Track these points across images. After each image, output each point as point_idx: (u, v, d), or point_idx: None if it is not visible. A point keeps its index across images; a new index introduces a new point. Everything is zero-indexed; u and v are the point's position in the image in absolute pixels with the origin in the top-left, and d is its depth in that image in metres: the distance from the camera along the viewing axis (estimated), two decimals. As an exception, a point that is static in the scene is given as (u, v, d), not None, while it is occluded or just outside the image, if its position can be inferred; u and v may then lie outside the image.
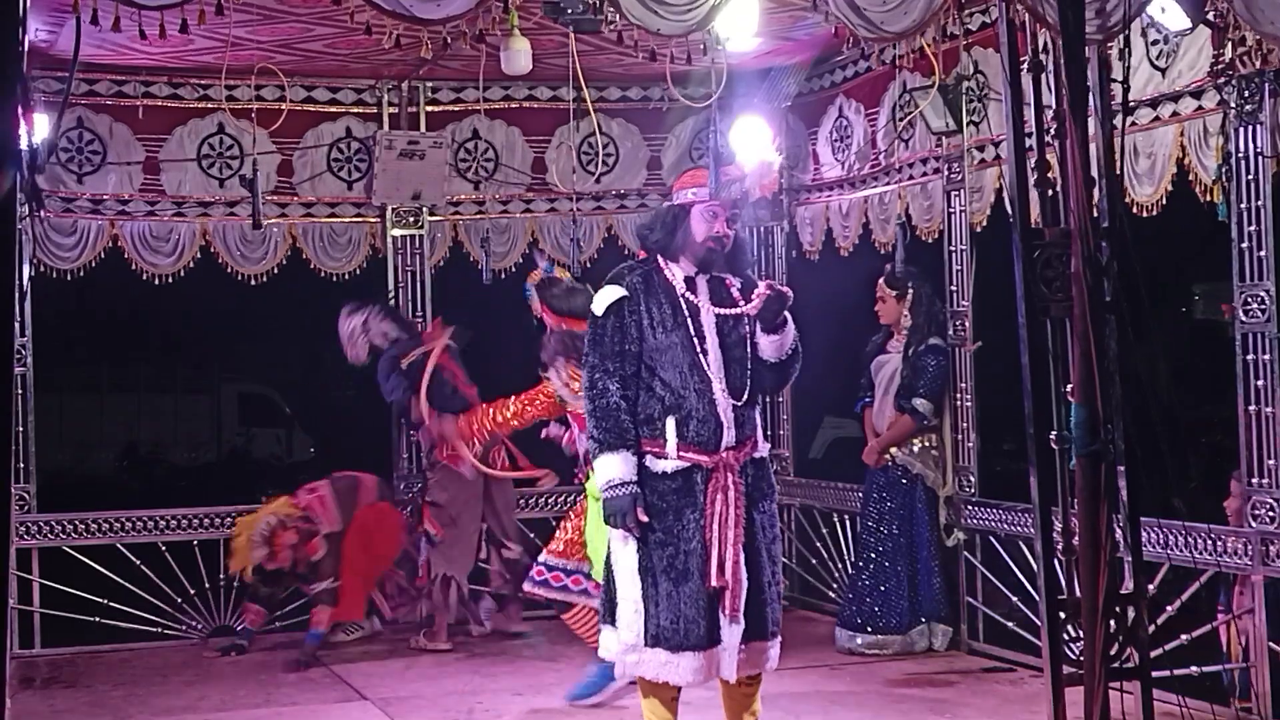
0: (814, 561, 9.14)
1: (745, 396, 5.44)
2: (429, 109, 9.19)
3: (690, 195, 5.55)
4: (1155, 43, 6.53)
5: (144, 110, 8.63)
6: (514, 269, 9.22)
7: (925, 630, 7.90)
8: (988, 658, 7.75)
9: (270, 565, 8.00)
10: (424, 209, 9.12)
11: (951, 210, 7.95)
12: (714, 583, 5.26)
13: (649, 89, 9.32)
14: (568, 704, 6.90)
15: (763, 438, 5.54)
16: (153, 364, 21.40)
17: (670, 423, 5.35)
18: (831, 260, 9.12)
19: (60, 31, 7.27)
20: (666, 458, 5.35)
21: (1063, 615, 4.97)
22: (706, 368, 5.39)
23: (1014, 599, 7.60)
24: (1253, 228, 6.22)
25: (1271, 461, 6.20)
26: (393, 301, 9.03)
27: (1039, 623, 5.12)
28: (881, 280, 8.09)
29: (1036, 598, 5.74)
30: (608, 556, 5.52)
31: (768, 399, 8.73)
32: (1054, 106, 5.06)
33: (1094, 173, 5.01)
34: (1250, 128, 6.18)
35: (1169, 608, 6.69)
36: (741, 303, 5.49)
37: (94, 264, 8.66)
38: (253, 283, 9.01)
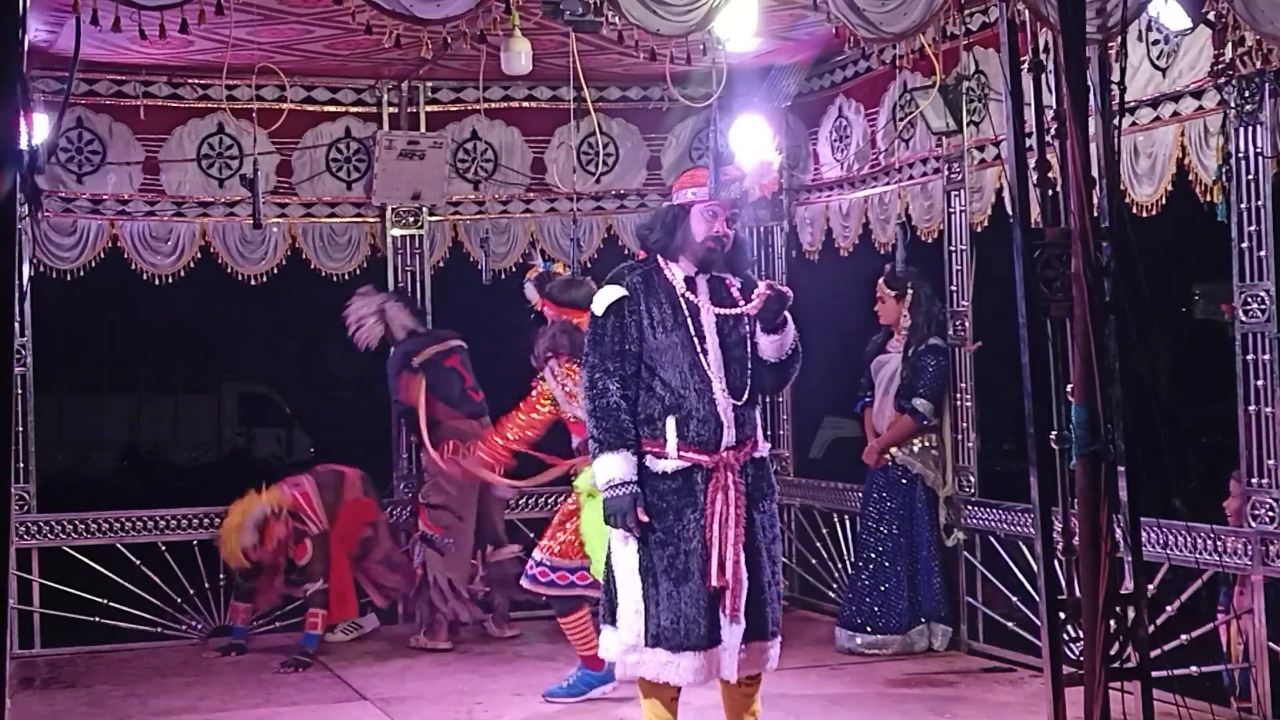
0: (814, 561, 9.14)
1: (745, 396, 5.44)
2: (429, 109, 9.19)
3: (690, 195, 5.55)
4: (1156, 42, 6.53)
5: (144, 110, 8.63)
6: (514, 269, 9.23)
7: (925, 630, 7.90)
8: (988, 658, 7.75)
9: (254, 555, 7.93)
10: (424, 209, 9.12)
11: (951, 210, 7.95)
12: (714, 583, 5.26)
13: (649, 89, 9.32)
14: (544, 697, 7.02)
15: (763, 437, 5.54)
16: (153, 364, 21.37)
17: (670, 422, 5.35)
18: (831, 260, 9.12)
19: (60, 31, 7.27)
20: (667, 457, 5.35)
21: (1063, 615, 4.97)
22: (707, 367, 5.39)
23: (1014, 599, 7.60)
24: (1253, 228, 6.22)
25: (1271, 461, 6.20)
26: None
27: (1039, 623, 5.12)
28: (881, 280, 8.09)
29: (1036, 598, 5.74)
30: (608, 556, 5.52)
31: (768, 399, 8.73)
32: (1054, 106, 5.07)
33: (1094, 173, 5.01)
34: (1250, 128, 6.18)
35: (1169, 608, 6.69)
36: (741, 302, 5.49)
37: (94, 264, 8.66)
38: (253, 283, 9.01)
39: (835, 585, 8.90)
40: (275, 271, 9.03)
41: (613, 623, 5.44)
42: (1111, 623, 4.93)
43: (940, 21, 5.70)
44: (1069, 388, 4.96)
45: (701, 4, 5.78)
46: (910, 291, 7.98)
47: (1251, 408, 6.26)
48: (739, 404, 5.42)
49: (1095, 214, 4.97)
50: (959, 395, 7.92)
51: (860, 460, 8.15)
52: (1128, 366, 4.96)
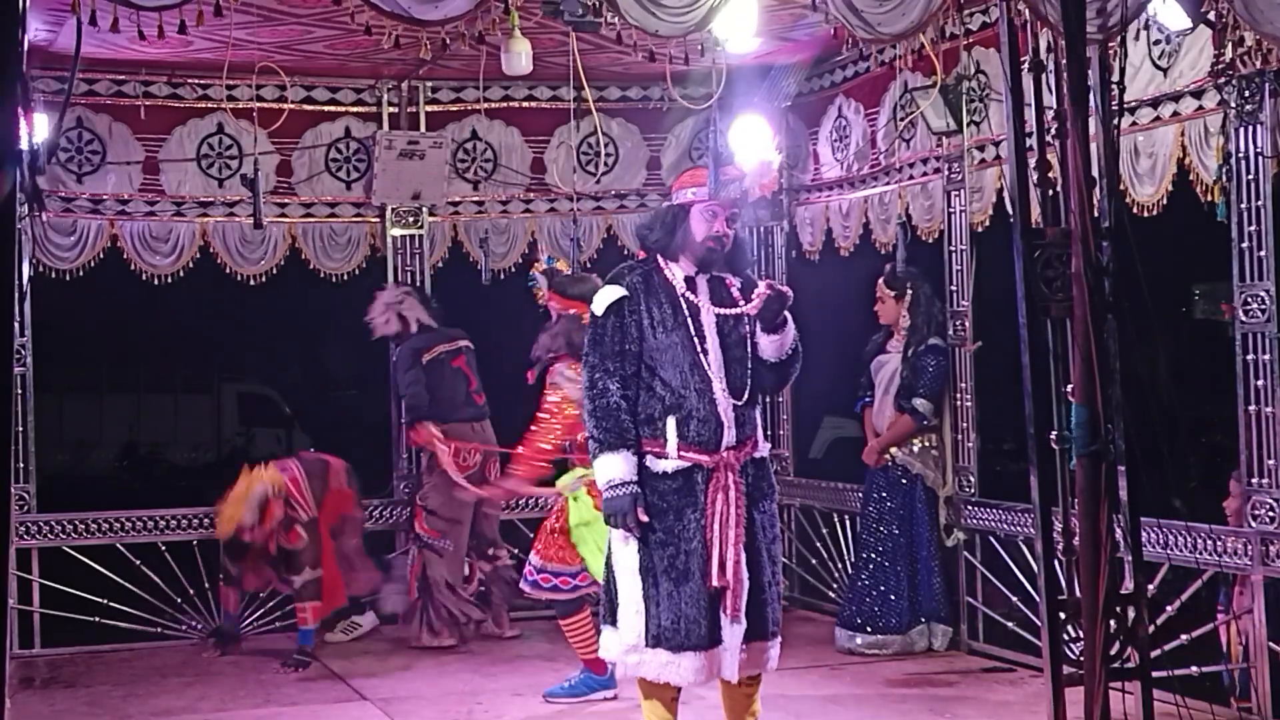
0: (814, 561, 9.14)
1: (746, 396, 5.44)
2: (429, 109, 9.19)
3: (690, 195, 5.55)
4: (1158, 42, 6.53)
5: (144, 110, 8.62)
6: (513, 269, 9.23)
7: (925, 630, 7.90)
8: (988, 658, 7.75)
9: (249, 536, 7.87)
10: (423, 209, 9.12)
11: (951, 210, 7.95)
12: (715, 583, 5.26)
13: (649, 89, 9.32)
14: (544, 698, 7.02)
15: (763, 437, 5.54)
16: (152, 364, 21.37)
17: (671, 422, 5.35)
18: (831, 260, 9.11)
19: (60, 30, 7.27)
20: (667, 457, 5.35)
21: (1063, 615, 4.97)
22: (707, 367, 5.39)
23: (1014, 599, 7.60)
24: (1253, 228, 6.22)
25: (1271, 461, 6.20)
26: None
27: (1039, 623, 5.12)
28: (880, 281, 8.09)
29: (1036, 598, 5.74)
30: (608, 557, 5.52)
31: (768, 399, 8.72)
32: (1054, 106, 5.06)
33: (1094, 173, 5.01)
34: (1250, 128, 6.18)
35: (1169, 608, 6.69)
36: (741, 302, 5.49)
37: (93, 264, 8.66)
38: (252, 283, 9.00)
39: (835, 585, 8.90)
40: (275, 271, 9.03)
41: (613, 623, 5.44)
42: (1111, 623, 4.93)
43: (939, 22, 5.70)
44: (1069, 388, 4.96)
45: (700, 5, 5.78)
46: (909, 292, 7.98)
47: (1251, 408, 6.26)
48: (739, 404, 5.42)
49: (1095, 214, 4.97)
50: (959, 395, 7.92)
51: (860, 460, 8.15)
52: (1128, 366, 4.96)
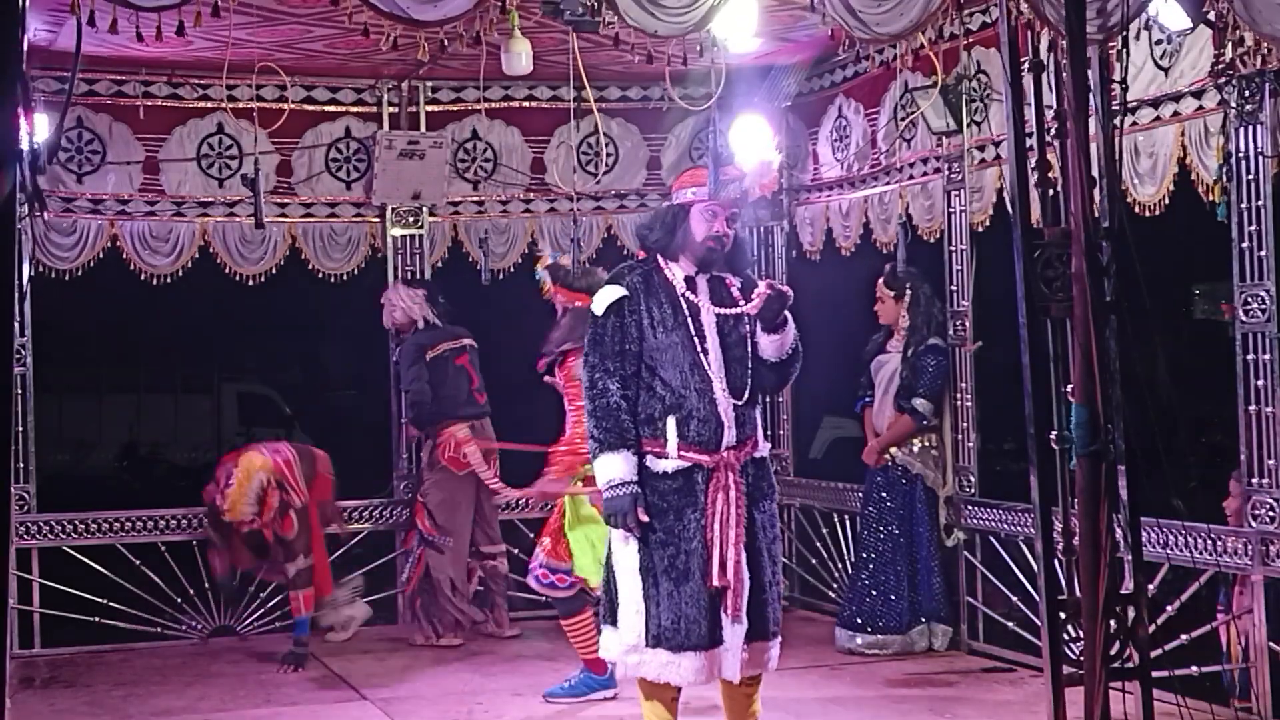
0: (814, 561, 9.14)
1: (746, 396, 5.44)
2: (429, 109, 9.18)
3: (690, 195, 5.55)
4: (1159, 42, 6.53)
5: (144, 110, 8.62)
6: (513, 269, 9.23)
7: (925, 630, 7.90)
8: (988, 658, 7.75)
9: (246, 527, 7.80)
10: (423, 209, 9.12)
11: (952, 210, 7.95)
12: (715, 583, 5.26)
13: (649, 89, 9.32)
14: (544, 698, 7.03)
15: (763, 437, 5.54)
16: (152, 364, 21.35)
17: (671, 422, 5.35)
18: (832, 260, 9.11)
19: (60, 30, 7.26)
20: (667, 457, 5.35)
21: (1063, 615, 4.97)
22: (707, 367, 5.39)
23: (1014, 599, 7.60)
24: (1253, 228, 6.22)
25: (1271, 461, 6.20)
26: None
27: (1039, 623, 5.12)
28: (880, 281, 8.09)
29: (1036, 598, 5.74)
30: (608, 557, 5.52)
31: (768, 399, 8.72)
32: (1055, 106, 5.06)
33: (1095, 173, 5.01)
34: (1251, 128, 6.18)
35: (1169, 608, 6.69)
36: (742, 302, 5.49)
37: (93, 264, 8.66)
38: (252, 283, 9.00)
39: (835, 585, 8.90)
40: (275, 271, 9.02)
41: (613, 623, 5.44)
42: (1111, 623, 4.93)
43: (937, 22, 5.70)
44: (1069, 388, 4.96)
45: (699, 5, 5.79)
46: (909, 292, 7.98)
47: (1251, 407, 6.26)
48: (739, 404, 5.42)
49: (1095, 214, 4.97)
50: (959, 395, 7.92)
51: (860, 460, 8.15)
52: (1128, 366, 4.96)
